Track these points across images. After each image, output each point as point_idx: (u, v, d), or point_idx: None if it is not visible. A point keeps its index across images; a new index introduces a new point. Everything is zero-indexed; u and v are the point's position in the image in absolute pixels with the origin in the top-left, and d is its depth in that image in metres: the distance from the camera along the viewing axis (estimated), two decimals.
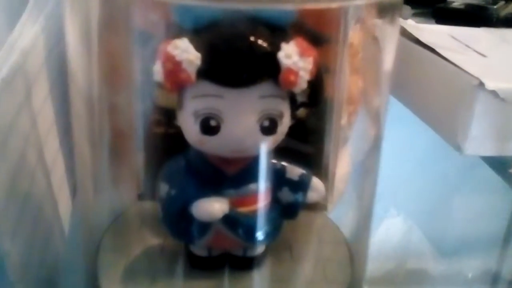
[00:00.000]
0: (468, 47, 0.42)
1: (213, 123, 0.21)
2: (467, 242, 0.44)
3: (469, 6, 0.56)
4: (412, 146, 0.48)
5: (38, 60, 0.26)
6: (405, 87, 0.41)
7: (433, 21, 0.55)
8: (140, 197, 0.29)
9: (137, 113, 0.25)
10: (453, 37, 0.45)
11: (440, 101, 0.38)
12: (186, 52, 0.19)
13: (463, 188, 0.49)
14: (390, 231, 0.42)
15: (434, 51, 0.39)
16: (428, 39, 0.41)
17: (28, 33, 0.25)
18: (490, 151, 0.36)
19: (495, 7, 0.54)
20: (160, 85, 0.20)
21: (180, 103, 0.21)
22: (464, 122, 0.34)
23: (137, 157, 0.27)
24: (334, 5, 0.20)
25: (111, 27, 0.24)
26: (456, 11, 0.56)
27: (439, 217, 0.47)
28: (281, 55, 0.20)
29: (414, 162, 0.49)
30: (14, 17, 0.26)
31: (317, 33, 0.22)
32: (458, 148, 0.35)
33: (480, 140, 0.35)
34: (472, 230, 0.45)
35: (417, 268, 0.43)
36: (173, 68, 0.20)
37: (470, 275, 0.41)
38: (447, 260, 0.43)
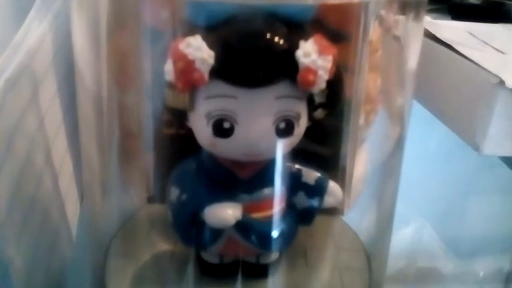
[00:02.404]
0: (486, 43, 0.41)
1: (226, 125, 0.20)
2: (482, 242, 0.43)
3: (485, 2, 0.55)
4: (429, 144, 0.48)
5: (45, 59, 0.25)
6: (421, 84, 0.40)
7: (449, 17, 0.53)
8: (150, 200, 0.28)
9: (147, 114, 0.25)
10: (470, 34, 0.44)
11: (458, 99, 0.37)
12: (199, 51, 0.19)
13: (480, 188, 0.48)
14: (404, 230, 0.41)
15: (451, 48, 0.38)
16: (445, 36, 0.40)
17: (35, 32, 0.25)
18: (509, 151, 0.35)
19: None
20: (171, 85, 0.20)
21: (192, 104, 0.20)
22: (483, 121, 0.34)
23: (147, 159, 0.26)
24: (355, 0, 0.19)
25: (121, 24, 0.23)
26: (473, 7, 0.55)
27: (455, 216, 0.46)
28: (299, 53, 0.19)
29: (431, 161, 0.48)
30: (21, 15, 0.25)
31: (336, 30, 0.21)
32: (477, 148, 0.34)
33: (499, 139, 0.34)
34: (488, 230, 0.44)
35: (430, 267, 0.42)
36: (185, 67, 0.19)
37: (481, 274, 0.41)
38: (461, 259, 0.42)
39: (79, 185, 0.30)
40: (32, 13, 0.25)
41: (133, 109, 0.25)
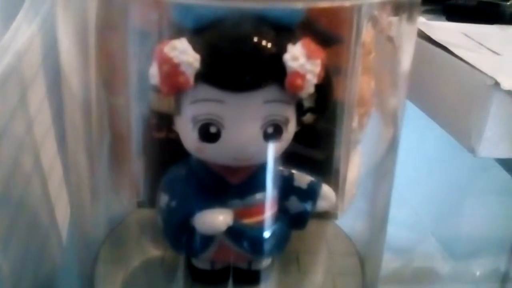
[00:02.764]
0: (482, 45, 0.41)
1: (213, 129, 0.19)
2: (478, 243, 0.43)
3: (481, 3, 0.55)
4: (424, 147, 0.47)
5: (34, 62, 0.25)
6: (416, 86, 0.40)
7: (444, 18, 0.53)
8: (140, 204, 0.27)
9: (136, 117, 0.24)
10: (465, 35, 0.44)
11: (453, 101, 0.36)
12: (185, 54, 0.18)
13: (476, 189, 0.48)
14: (400, 231, 0.41)
15: (446, 49, 0.38)
16: (440, 37, 0.40)
17: (24, 34, 0.24)
18: (505, 153, 0.35)
19: (508, 3, 0.52)
20: (156, 89, 0.19)
21: (177, 108, 0.20)
22: (478, 123, 0.33)
23: (137, 163, 0.26)
24: (347, 3, 0.19)
25: (109, 26, 0.23)
26: (468, 8, 0.55)
27: (451, 218, 0.46)
28: (287, 57, 0.18)
29: (427, 163, 0.48)
30: (9, 17, 0.25)
31: (327, 33, 0.21)
32: (472, 150, 0.34)
33: (494, 142, 0.34)
34: (484, 231, 0.44)
35: (426, 267, 0.42)
36: (170, 70, 0.18)
37: (478, 274, 0.41)
38: (457, 260, 0.42)
39: (70, 188, 0.29)
40: (20, 15, 0.25)
41: (122, 113, 0.25)
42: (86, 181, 0.25)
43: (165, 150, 0.24)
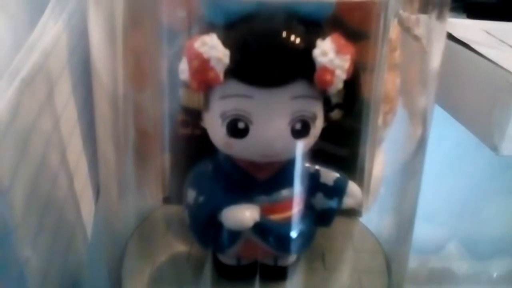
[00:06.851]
0: (503, 42, 0.41)
1: (241, 125, 0.20)
2: (497, 243, 0.43)
3: (502, 0, 0.54)
4: (445, 144, 0.47)
5: (60, 59, 0.25)
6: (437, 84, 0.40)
7: (465, 15, 0.53)
8: (166, 200, 0.28)
9: (163, 114, 0.24)
10: (487, 32, 0.43)
11: (475, 98, 0.36)
12: (214, 49, 0.18)
13: (498, 189, 0.48)
14: (419, 230, 0.41)
15: (467, 47, 0.38)
16: (461, 34, 0.40)
17: (50, 32, 0.25)
18: None
19: None
20: (186, 85, 0.19)
21: (206, 104, 0.20)
22: (501, 121, 0.33)
23: (163, 159, 0.26)
24: None
25: (137, 23, 0.23)
26: (489, 5, 0.54)
27: (471, 217, 0.45)
28: (316, 52, 0.18)
29: (447, 161, 0.47)
30: (35, 15, 0.25)
31: (354, 28, 0.21)
32: (495, 148, 0.34)
33: None
34: (504, 230, 0.43)
35: (444, 267, 0.42)
36: (200, 66, 0.19)
37: (495, 275, 0.40)
38: (475, 260, 0.42)
39: (94, 185, 0.30)
40: (46, 13, 0.25)
41: (150, 109, 0.25)
42: (114, 176, 0.25)
43: (191, 146, 0.25)
